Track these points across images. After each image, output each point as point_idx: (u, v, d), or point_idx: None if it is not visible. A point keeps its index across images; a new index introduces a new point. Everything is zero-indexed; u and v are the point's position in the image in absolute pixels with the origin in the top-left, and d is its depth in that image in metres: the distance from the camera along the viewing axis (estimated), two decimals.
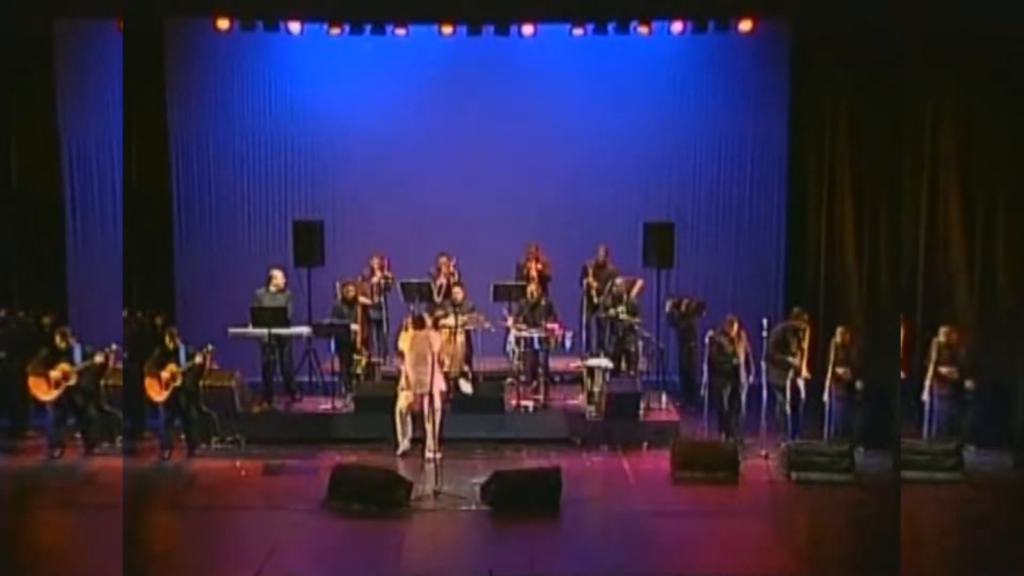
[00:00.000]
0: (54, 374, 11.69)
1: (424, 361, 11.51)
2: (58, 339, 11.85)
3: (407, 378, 11.66)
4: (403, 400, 11.74)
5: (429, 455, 11.50)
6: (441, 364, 11.85)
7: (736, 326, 12.11)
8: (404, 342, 11.77)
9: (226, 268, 14.89)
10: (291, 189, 15.30)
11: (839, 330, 12.14)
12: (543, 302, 13.35)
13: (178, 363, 11.80)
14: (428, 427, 11.56)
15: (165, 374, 11.72)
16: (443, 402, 11.80)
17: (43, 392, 11.73)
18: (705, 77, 15.05)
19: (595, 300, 13.81)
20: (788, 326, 12.18)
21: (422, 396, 11.56)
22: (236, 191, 15.31)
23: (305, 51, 14.98)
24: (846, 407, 11.99)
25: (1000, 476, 11.33)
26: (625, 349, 13.25)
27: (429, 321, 12.36)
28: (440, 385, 11.69)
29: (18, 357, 12.27)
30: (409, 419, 11.79)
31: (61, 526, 10.13)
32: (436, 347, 11.67)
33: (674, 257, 13.37)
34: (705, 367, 12.35)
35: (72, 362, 11.80)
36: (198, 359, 11.88)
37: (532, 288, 13.38)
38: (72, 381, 11.76)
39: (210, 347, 12.04)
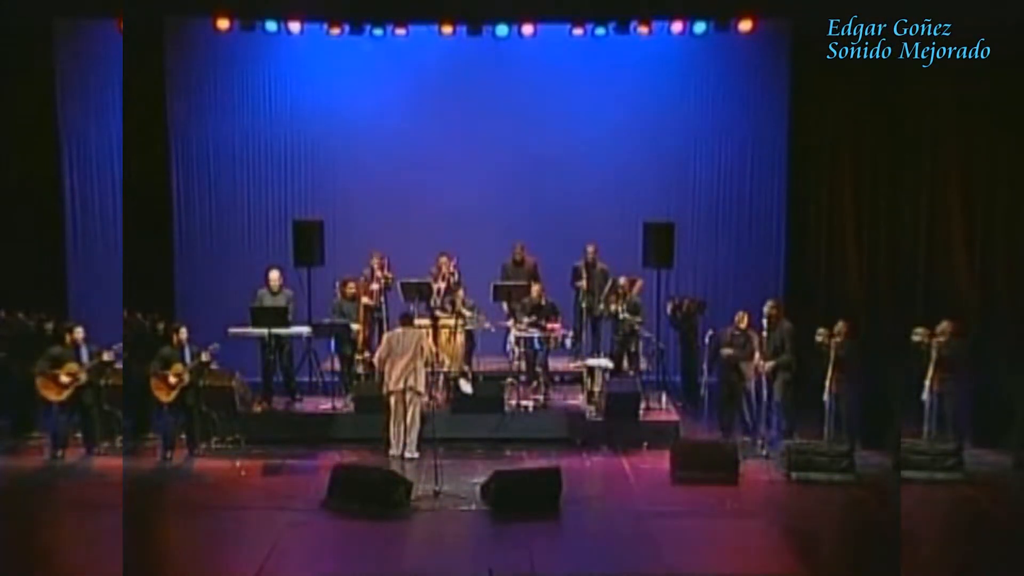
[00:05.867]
0: (64, 375, 11.69)
1: (408, 358, 11.56)
2: (67, 338, 11.86)
3: (389, 376, 11.69)
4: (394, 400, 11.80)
5: (408, 455, 11.60)
6: (428, 364, 11.86)
7: (746, 321, 12.18)
8: (390, 340, 11.81)
9: (226, 268, 14.89)
10: (291, 189, 15.29)
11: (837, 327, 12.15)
12: (543, 302, 13.32)
13: (184, 362, 11.80)
14: (405, 426, 11.66)
15: (172, 375, 11.72)
16: (422, 404, 11.84)
17: (54, 393, 11.73)
18: (705, 77, 15.04)
19: (584, 301, 13.73)
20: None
21: (402, 394, 11.60)
22: (236, 191, 15.30)
23: (305, 51, 14.97)
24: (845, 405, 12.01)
25: (1000, 476, 11.33)
26: (626, 349, 13.24)
27: (419, 321, 12.41)
28: (420, 386, 11.71)
29: (19, 358, 12.27)
30: (401, 419, 11.80)
31: (62, 526, 10.13)
32: (423, 347, 11.73)
33: (674, 257, 13.37)
34: (705, 367, 12.38)
35: (80, 361, 11.80)
36: (204, 356, 11.89)
37: (537, 288, 13.37)
38: (83, 380, 11.78)
39: (215, 345, 12.05)
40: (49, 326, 12.67)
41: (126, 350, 12.06)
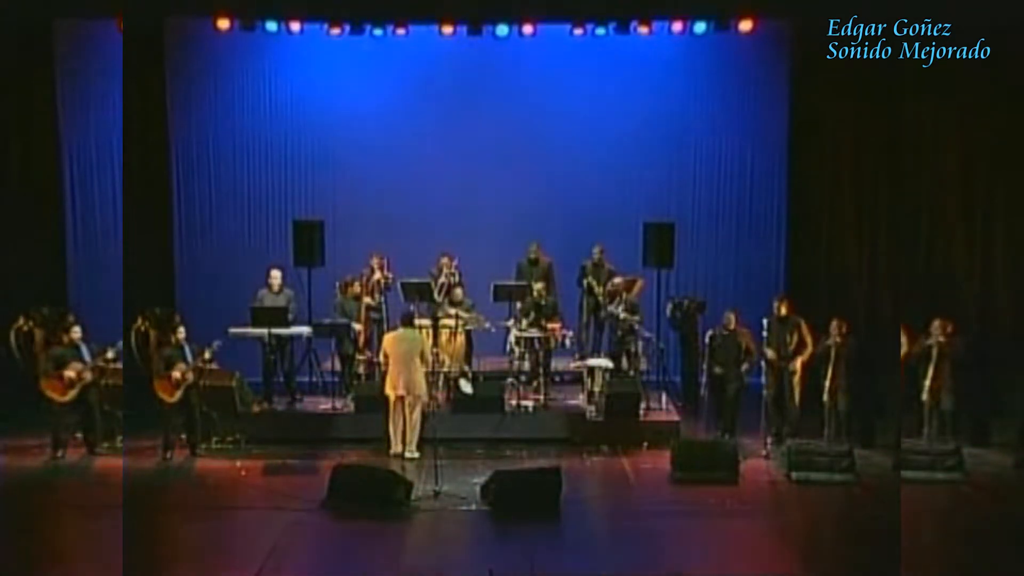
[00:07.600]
0: (68, 374, 11.69)
1: (407, 361, 11.56)
2: (65, 338, 11.86)
3: (389, 377, 11.68)
4: (394, 401, 11.79)
5: (408, 455, 11.62)
6: (428, 365, 11.83)
7: (733, 321, 12.18)
8: (389, 341, 11.80)
9: (226, 268, 14.88)
10: (291, 189, 15.30)
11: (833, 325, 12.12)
12: (543, 301, 13.30)
13: (186, 361, 11.80)
14: (405, 427, 11.67)
15: (176, 374, 11.71)
16: (423, 404, 11.84)
17: (59, 393, 11.71)
18: (705, 77, 15.04)
19: (600, 299, 13.73)
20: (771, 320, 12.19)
21: (401, 398, 11.60)
22: (236, 191, 15.31)
23: (305, 51, 14.97)
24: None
25: (1000, 476, 11.33)
26: (626, 349, 13.24)
27: (419, 322, 12.41)
28: (421, 387, 11.71)
29: (23, 358, 12.27)
30: (401, 419, 11.80)
31: (62, 526, 10.12)
32: (423, 348, 11.71)
33: (674, 257, 13.37)
34: (705, 366, 12.39)
35: (83, 360, 11.80)
36: (206, 355, 11.89)
37: (540, 288, 13.36)
38: (88, 379, 11.77)
39: (217, 343, 12.05)
40: (70, 319, 12.64)
41: (127, 350, 12.05)
